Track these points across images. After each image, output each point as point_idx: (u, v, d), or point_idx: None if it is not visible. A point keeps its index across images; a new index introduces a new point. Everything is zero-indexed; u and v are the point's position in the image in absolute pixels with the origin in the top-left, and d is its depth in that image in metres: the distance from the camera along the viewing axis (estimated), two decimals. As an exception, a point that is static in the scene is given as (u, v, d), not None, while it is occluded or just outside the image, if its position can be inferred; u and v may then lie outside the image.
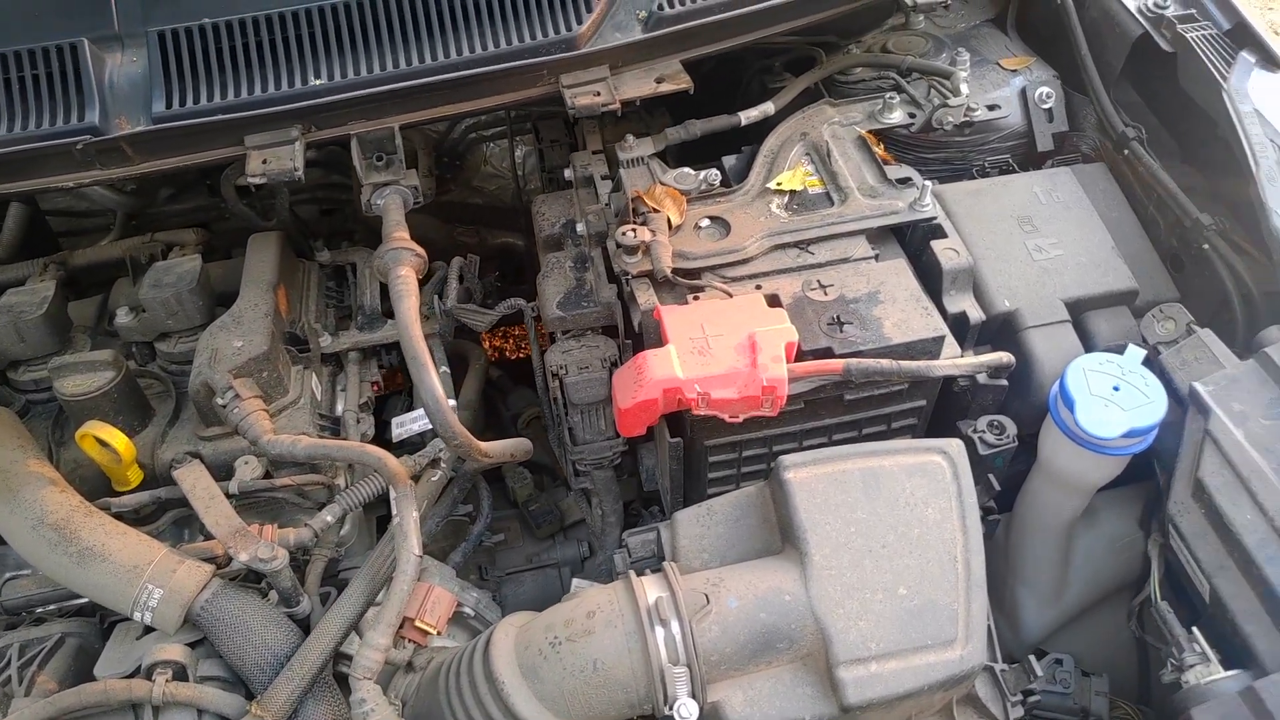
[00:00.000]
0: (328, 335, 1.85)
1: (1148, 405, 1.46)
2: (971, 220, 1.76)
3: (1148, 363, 1.52)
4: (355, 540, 1.68)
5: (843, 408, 1.56)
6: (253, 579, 1.49)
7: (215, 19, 1.66)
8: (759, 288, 1.59)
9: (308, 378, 1.73)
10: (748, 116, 1.88)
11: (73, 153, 1.61)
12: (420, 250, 1.60)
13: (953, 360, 1.56)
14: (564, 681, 1.24)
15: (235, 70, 1.66)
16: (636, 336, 1.62)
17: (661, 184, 1.73)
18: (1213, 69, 1.74)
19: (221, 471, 1.60)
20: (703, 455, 1.59)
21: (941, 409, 1.64)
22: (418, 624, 1.47)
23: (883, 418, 1.60)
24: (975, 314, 1.63)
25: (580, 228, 1.82)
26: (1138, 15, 1.89)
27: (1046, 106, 1.96)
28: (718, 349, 1.46)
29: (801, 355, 1.50)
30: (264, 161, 1.63)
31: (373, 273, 1.87)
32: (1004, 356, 1.58)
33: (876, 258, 1.66)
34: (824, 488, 1.32)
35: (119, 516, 1.52)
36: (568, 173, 1.92)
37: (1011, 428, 1.58)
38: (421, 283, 1.65)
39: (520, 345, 2.83)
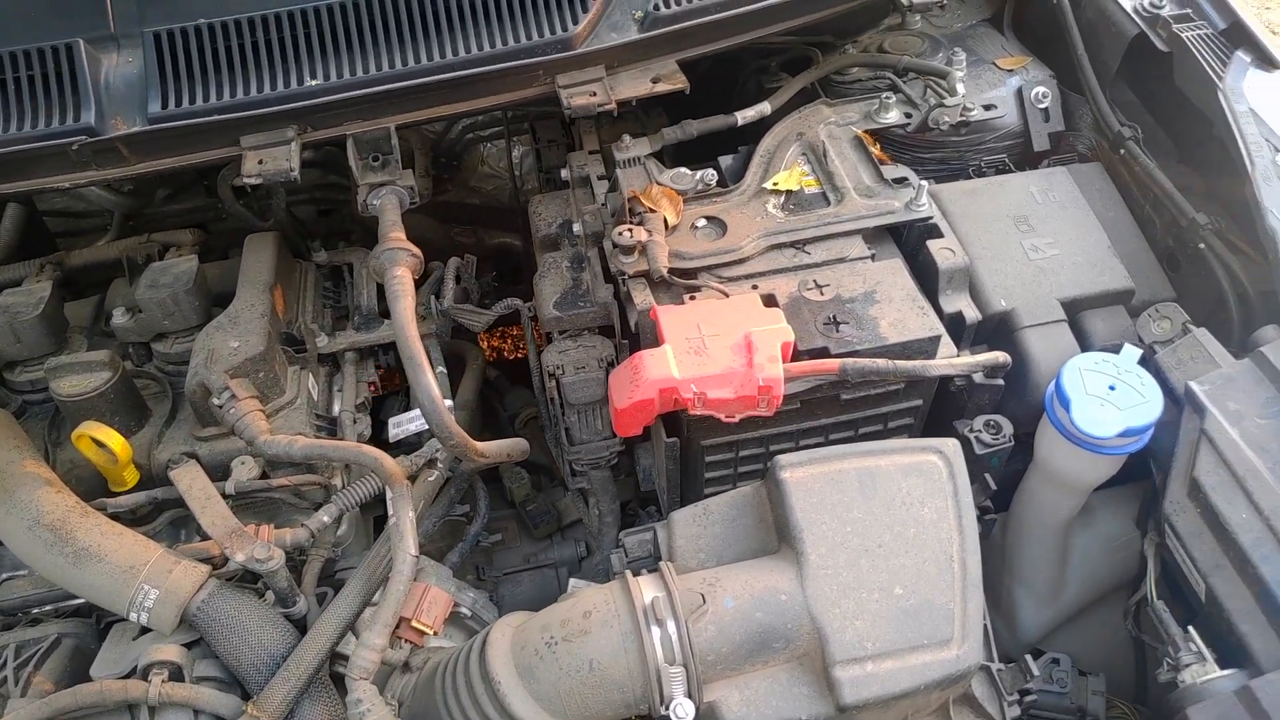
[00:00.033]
0: (324, 335, 1.85)
1: (1143, 404, 1.46)
2: (967, 220, 1.76)
3: (1144, 362, 1.52)
4: (352, 540, 1.68)
5: (839, 407, 1.56)
6: (249, 579, 1.49)
7: (211, 19, 1.66)
8: (755, 288, 1.59)
9: (304, 378, 1.73)
10: (744, 117, 1.88)
11: (68, 153, 1.61)
12: (416, 250, 1.60)
13: (949, 360, 1.56)
14: (560, 681, 1.24)
15: (231, 71, 1.66)
16: (633, 336, 1.62)
17: (658, 184, 1.73)
18: (1208, 68, 1.74)
19: (218, 472, 1.60)
20: (699, 455, 1.59)
21: (938, 409, 1.64)
22: (414, 624, 1.46)
23: (879, 417, 1.60)
24: (971, 313, 1.63)
25: (577, 228, 1.82)
26: (1134, 15, 1.89)
27: (1043, 106, 1.96)
28: (714, 349, 1.46)
29: (798, 355, 1.50)
30: (260, 162, 1.63)
31: (369, 273, 1.87)
32: (1000, 356, 1.58)
33: (873, 257, 1.66)
34: (820, 487, 1.32)
35: (115, 517, 1.52)
36: (564, 173, 1.92)
37: (1008, 427, 1.59)
38: (418, 283, 1.65)
39: (518, 345, 2.83)
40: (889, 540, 1.29)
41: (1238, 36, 1.81)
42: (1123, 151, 1.86)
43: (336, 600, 1.46)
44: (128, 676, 1.39)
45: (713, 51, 1.83)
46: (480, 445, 1.56)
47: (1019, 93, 1.96)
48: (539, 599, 1.84)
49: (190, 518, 1.51)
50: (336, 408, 1.78)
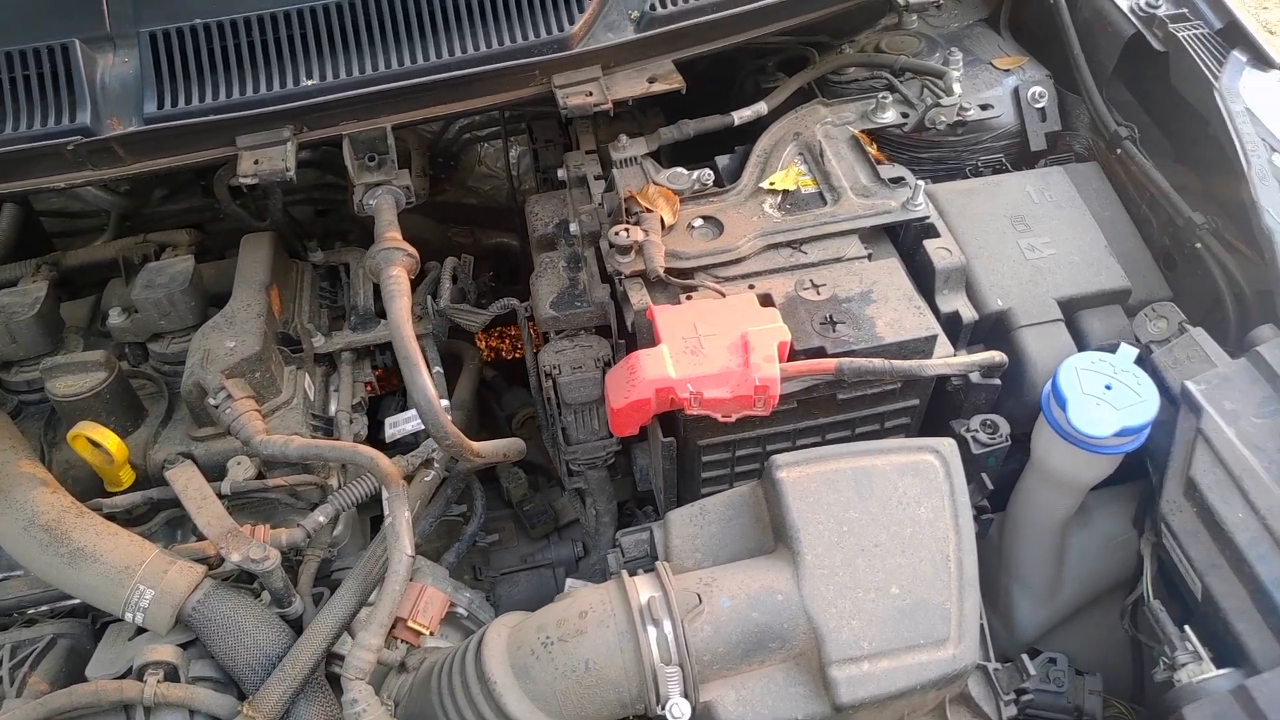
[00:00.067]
0: (321, 335, 1.85)
1: (1140, 404, 1.46)
2: (964, 219, 1.76)
3: (1140, 361, 1.52)
4: (348, 541, 1.68)
5: (836, 407, 1.56)
6: (245, 580, 1.49)
7: (207, 19, 1.65)
8: (752, 287, 1.59)
9: (300, 378, 1.73)
10: (741, 116, 1.88)
11: (64, 153, 1.60)
12: (412, 250, 1.60)
13: (945, 359, 1.56)
14: (556, 681, 1.24)
15: (227, 71, 1.66)
16: (629, 336, 1.62)
17: (654, 184, 1.73)
18: (1204, 68, 1.74)
19: (214, 472, 1.59)
20: (696, 455, 1.59)
21: (935, 408, 1.64)
22: (410, 624, 1.46)
23: (876, 417, 1.60)
24: (968, 313, 1.63)
25: (573, 227, 1.82)
26: (1130, 15, 1.89)
27: (1039, 106, 1.96)
28: (710, 349, 1.46)
29: (794, 355, 1.49)
30: (256, 162, 1.63)
31: (366, 273, 1.87)
32: (996, 355, 1.58)
33: (869, 257, 1.66)
34: (816, 487, 1.32)
35: (111, 517, 1.52)
36: (561, 173, 1.92)
37: (1004, 427, 1.58)
38: (415, 283, 1.65)
39: (517, 345, 2.83)
40: (885, 540, 1.29)
41: (1234, 36, 1.81)
42: (1119, 151, 1.86)
43: (332, 600, 1.45)
44: (123, 677, 1.39)
45: (709, 51, 1.83)
46: (476, 445, 1.56)
47: (1015, 92, 1.96)
48: (536, 599, 1.84)
49: (186, 518, 1.51)
50: (333, 408, 1.78)
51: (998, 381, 1.60)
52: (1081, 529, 1.69)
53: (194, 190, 2.24)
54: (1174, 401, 1.49)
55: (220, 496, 1.53)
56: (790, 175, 1.77)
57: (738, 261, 1.64)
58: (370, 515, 1.78)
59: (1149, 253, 1.77)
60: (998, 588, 1.78)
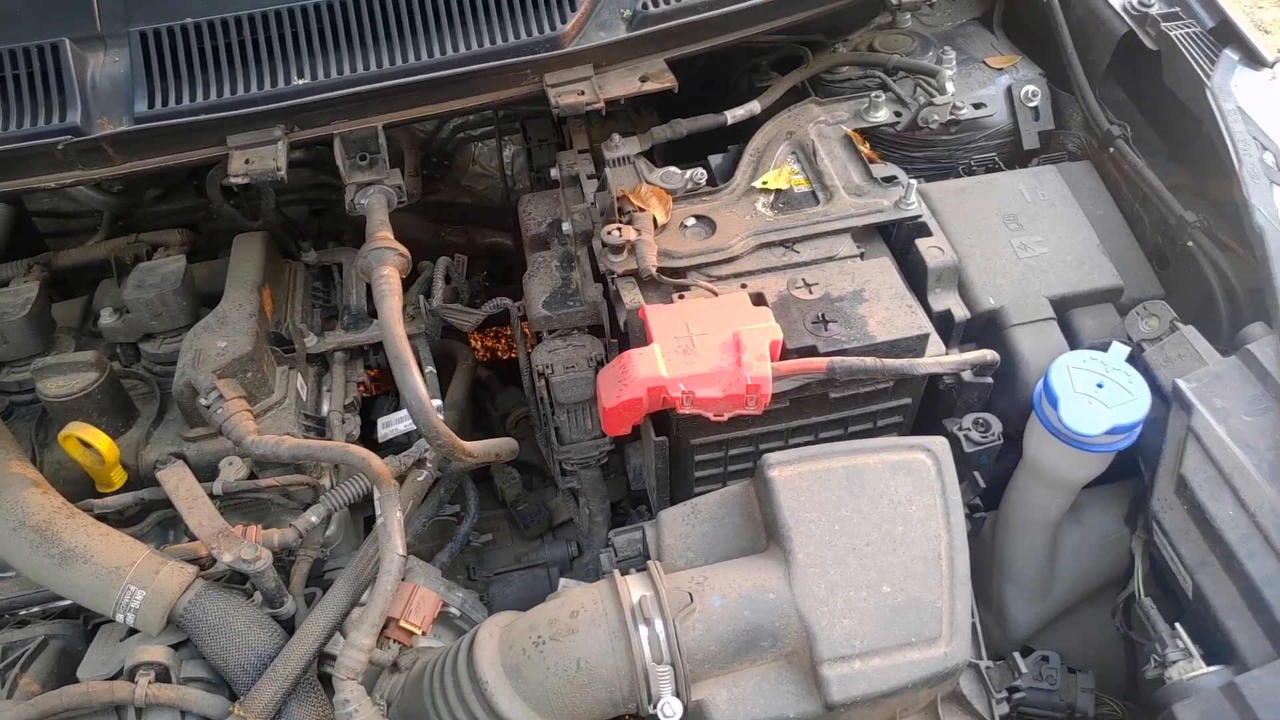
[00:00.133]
0: (313, 335, 1.85)
1: (1131, 402, 1.46)
2: (957, 218, 1.76)
3: (1132, 360, 1.52)
4: (341, 541, 1.68)
5: (828, 406, 1.56)
6: (237, 580, 1.49)
7: (197, 19, 1.65)
8: (744, 286, 1.59)
9: (293, 378, 1.72)
10: (734, 115, 1.88)
11: (54, 153, 1.60)
12: (404, 250, 1.59)
13: (937, 358, 1.56)
14: (547, 681, 1.24)
15: (218, 70, 1.66)
16: (622, 335, 1.62)
17: (647, 183, 1.73)
18: (1197, 67, 1.74)
19: (206, 472, 1.59)
20: (688, 454, 1.59)
21: (927, 407, 1.64)
22: (402, 624, 1.46)
23: (868, 416, 1.60)
24: (960, 312, 1.63)
25: (566, 227, 1.81)
26: (1122, 13, 1.90)
27: (1032, 105, 1.96)
28: (702, 348, 1.46)
29: (786, 354, 1.50)
30: (246, 161, 1.63)
31: (358, 273, 1.86)
32: (989, 354, 1.58)
33: (861, 256, 1.66)
34: (808, 486, 1.32)
35: (102, 518, 1.52)
36: (554, 172, 1.92)
37: (997, 425, 1.59)
38: (407, 282, 1.65)
39: (512, 345, 2.82)
40: (877, 538, 1.29)
41: (1226, 35, 1.81)
42: (1112, 150, 1.86)
43: (324, 600, 1.45)
44: (115, 678, 1.38)
45: (701, 50, 1.83)
46: (468, 445, 1.56)
47: (1009, 91, 1.96)
48: (530, 599, 1.83)
49: (178, 518, 1.51)
50: (325, 408, 1.78)
51: (990, 380, 1.60)
52: (1073, 527, 1.69)
53: (187, 190, 2.24)
54: (1165, 399, 1.50)
55: (212, 497, 1.53)
56: (783, 174, 1.77)
57: (730, 260, 1.64)
58: (363, 515, 1.78)
59: (1141, 251, 1.77)
60: (990, 586, 1.78)
